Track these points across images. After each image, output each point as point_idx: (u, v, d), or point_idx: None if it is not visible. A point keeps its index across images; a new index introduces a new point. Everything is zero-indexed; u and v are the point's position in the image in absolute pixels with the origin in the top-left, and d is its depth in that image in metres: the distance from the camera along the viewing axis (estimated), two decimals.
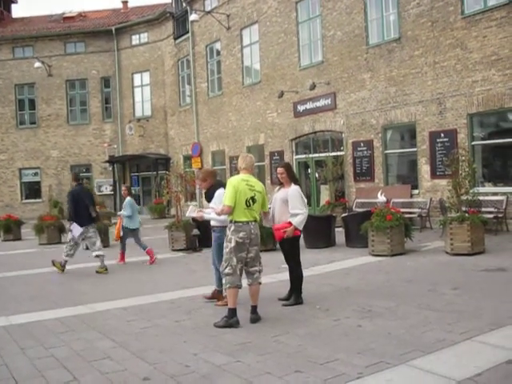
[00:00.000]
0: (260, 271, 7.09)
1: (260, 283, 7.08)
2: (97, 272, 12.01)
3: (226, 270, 6.86)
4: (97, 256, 12.20)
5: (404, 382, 4.71)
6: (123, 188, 14.30)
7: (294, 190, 7.98)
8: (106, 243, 16.19)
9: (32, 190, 35.09)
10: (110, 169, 33.74)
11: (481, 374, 4.67)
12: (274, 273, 10.45)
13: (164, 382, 4.98)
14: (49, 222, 19.43)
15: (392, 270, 10.37)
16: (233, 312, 6.79)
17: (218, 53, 27.60)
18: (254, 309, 7.06)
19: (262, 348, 5.80)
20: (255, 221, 7.01)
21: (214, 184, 8.37)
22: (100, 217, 13.89)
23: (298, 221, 7.80)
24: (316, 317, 7.06)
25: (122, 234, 13.27)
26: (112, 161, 33.39)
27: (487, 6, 15.19)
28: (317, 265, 11.29)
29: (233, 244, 6.81)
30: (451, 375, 4.69)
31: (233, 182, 6.96)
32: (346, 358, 5.32)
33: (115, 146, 34.02)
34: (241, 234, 6.82)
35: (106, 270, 12.04)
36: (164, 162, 32.43)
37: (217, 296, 8.24)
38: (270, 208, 7.85)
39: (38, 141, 34.57)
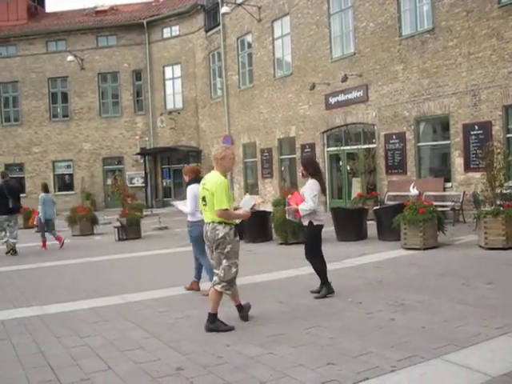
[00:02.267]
0: (219, 277, 6.39)
1: (216, 290, 6.38)
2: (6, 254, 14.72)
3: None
4: (5, 242, 14.86)
5: (438, 376, 4.66)
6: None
7: (309, 183, 8.01)
8: (138, 235, 16.35)
9: (65, 182, 35.58)
10: (142, 161, 34.00)
11: None
12: (306, 265, 10.41)
13: (197, 372, 5.01)
14: (82, 214, 19.71)
15: (425, 263, 10.26)
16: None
17: (250, 45, 27.56)
18: (208, 315, 6.43)
19: (295, 340, 5.79)
20: (212, 222, 6.42)
21: (190, 180, 8.67)
22: (20, 209, 16.09)
23: (302, 208, 7.80)
24: (348, 310, 7.03)
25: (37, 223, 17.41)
26: (143, 153, 33.66)
27: None
28: (348, 257, 11.24)
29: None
30: (486, 370, 4.62)
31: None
32: (379, 351, 5.28)
33: (146, 139, 34.28)
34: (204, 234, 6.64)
35: (15, 252, 14.87)
36: (195, 154, 32.59)
37: (195, 286, 8.85)
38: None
39: (70, 133, 35.00)
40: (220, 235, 6.35)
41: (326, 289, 7.88)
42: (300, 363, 5.06)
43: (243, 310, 6.81)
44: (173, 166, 34.30)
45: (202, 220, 6.90)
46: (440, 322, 6.15)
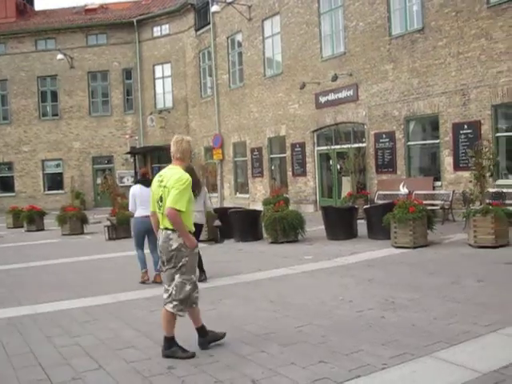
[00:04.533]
0: (169, 295, 5.42)
1: (167, 310, 5.44)
2: None
3: None
4: None
5: (428, 373, 4.69)
6: None
7: None
8: (128, 234, 16.31)
9: (54, 182, 35.42)
10: (132, 160, 33.93)
11: (507, 367, 4.63)
12: (296, 264, 10.46)
13: (188, 371, 5.01)
14: (71, 213, 19.61)
15: (415, 262, 10.31)
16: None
17: (240, 44, 27.56)
18: (163, 339, 5.53)
19: (286, 338, 5.81)
20: (165, 228, 5.44)
21: (137, 181, 9.86)
22: None
23: None
24: (339, 308, 7.05)
25: None
26: (133, 152, 33.59)
27: None
28: (339, 256, 11.27)
29: None
30: (476, 367, 4.66)
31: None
32: (371, 349, 5.31)
33: (137, 138, 34.19)
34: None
35: None
36: None
37: (158, 279, 9.27)
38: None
39: (60, 132, 34.87)
40: (174, 246, 5.33)
41: (203, 275, 9.23)
42: (291, 361, 5.08)
43: (206, 336, 5.65)
44: (163, 165, 33.87)
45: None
46: (430, 320, 6.19)
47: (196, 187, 8.96)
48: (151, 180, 8.27)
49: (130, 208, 9.81)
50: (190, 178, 5.44)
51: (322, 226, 14.54)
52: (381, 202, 17.13)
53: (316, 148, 22.67)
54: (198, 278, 5.85)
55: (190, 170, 10.73)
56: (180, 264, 5.35)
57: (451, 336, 5.53)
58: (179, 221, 5.27)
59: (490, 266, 9.46)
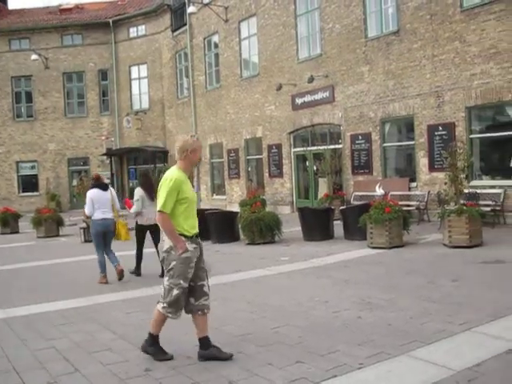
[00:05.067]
0: (161, 295, 5.36)
1: (158, 309, 5.40)
2: None
3: None
4: None
5: (404, 372, 4.74)
6: None
7: (135, 191, 10.37)
8: None
9: (29, 183, 35.01)
10: (108, 162, 33.70)
11: (480, 364, 4.70)
12: (273, 265, 10.48)
13: (166, 373, 5.00)
14: (47, 215, 19.43)
15: (391, 262, 10.40)
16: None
17: (216, 45, 27.53)
18: (148, 335, 5.52)
19: (263, 339, 5.82)
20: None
21: (92, 185, 10.31)
22: None
23: (130, 211, 10.33)
24: (315, 309, 7.08)
25: None
26: (109, 154, 33.37)
27: None
28: (315, 257, 11.32)
29: None
30: (451, 365, 4.73)
31: None
32: (347, 349, 5.34)
33: (112, 139, 33.98)
34: None
35: None
36: (162, 155, 32.41)
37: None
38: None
39: (35, 134, 34.52)
40: (165, 248, 5.28)
41: (136, 269, 10.37)
42: (269, 362, 5.10)
43: (208, 349, 5.31)
44: (139, 167, 34.01)
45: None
46: (406, 320, 6.25)
47: (152, 191, 9.69)
48: (107, 184, 9.63)
49: (87, 212, 10.01)
50: (176, 178, 5.21)
51: (299, 227, 14.58)
52: (357, 202, 17.25)
53: (292, 149, 22.74)
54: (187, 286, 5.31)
55: (143, 174, 11.93)
56: (169, 267, 5.23)
57: (426, 335, 5.60)
58: (166, 223, 5.18)
59: (465, 265, 9.57)
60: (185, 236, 5.22)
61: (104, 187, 10.10)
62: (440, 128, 16.34)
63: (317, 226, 14.15)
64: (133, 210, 10.14)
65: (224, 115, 26.75)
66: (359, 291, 7.89)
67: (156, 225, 9.75)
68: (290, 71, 22.19)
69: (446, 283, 8.12)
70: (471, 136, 15.82)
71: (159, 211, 5.16)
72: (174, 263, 5.18)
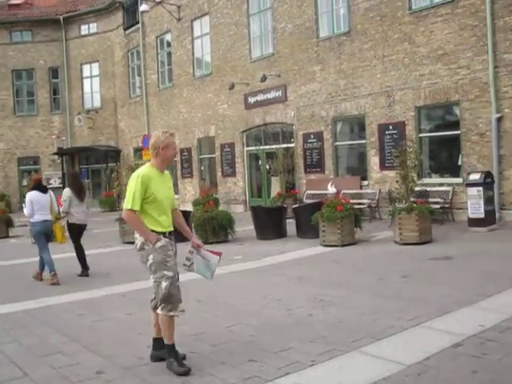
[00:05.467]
0: (154, 298, 5.23)
1: (159, 314, 5.09)
2: None
3: None
4: None
5: (355, 367, 4.81)
6: None
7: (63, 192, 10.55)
8: None
9: None
10: (59, 161, 33.09)
11: (429, 358, 4.82)
12: (226, 264, 10.46)
13: (118, 374, 4.96)
14: None
15: (343, 259, 10.53)
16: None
17: (169, 44, 27.36)
18: (165, 348, 5.17)
19: (216, 339, 5.82)
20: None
21: (32, 187, 10.37)
22: None
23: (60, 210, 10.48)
24: (268, 307, 7.12)
25: None
26: (60, 153, 32.75)
27: (433, 2, 15.52)
28: (268, 255, 11.38)
29: None
30: (401, 360, 4.82)
31: None
32: (299, 346, 5.39)
33: (64, 138, 33.37)
34: None
35: None
36: (114, 154, 31.96)
37: (38, 277, 10.16)
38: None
39: None
40: (138, 246, 5.08)
41: (84, 271, 10.42)
42: (222, 361, 5.11)
43: (162, 350, 5.17)
44: (91, 166, 33.59)
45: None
46: (357, 316, 6.34)
47: (81, 192, 10.43)
48: (46, 186, 9.83)
49: (26, 213, 10.08)
50: (143, 174, 5.00)
51: (252, 226, 14.63)
52: (309, 201, 17.39)
53: (245, 148, 22.77)
54: (175, 271, 5.10)
55: (72, 175, 12.08)
56: (148, 263, 5.01)
57: (377, 331, 5.69)
58: (132, 219, 5.02)
59: (415, 262, 9.77)
60: (156, 233, 5.03)
61: (43, 189, 10.22)
62: (390, 127, 16.62)
63: (270, 224, 14.23)
64: (61, 209, 10.37)
65: (177, 114, 26.61)
66: (312, 289, 7.96)
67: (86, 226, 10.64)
68: (243, 70, 22.22)
69: (397, 280, 8.27)
70: (421, 135, 16.15)
71: (125, 209, 5.01)
72: (151, 257, 4.98)
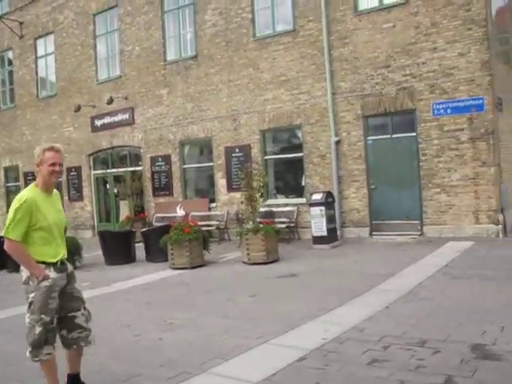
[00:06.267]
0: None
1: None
2: None
3: None
4: None
5: None
6: None
7: None
8: None
9: None
10: None
11: (275, 374, 5.01)
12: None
13: None
14: None
15: (192, 281, 10.61)
16: None
17: (10, 62, 26.10)
18: None
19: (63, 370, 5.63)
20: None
21: None
22: None
23: None
24: (117, 333, 7.01)
25: None
26: None
27: (276, 31, 16.29)
28: (117, 281, 11.20)
29: None
30: (249, 378, 4.97)
31: None
32: (149, 372, 5.37)
33: None
34: None
35: None
36: None
37: None
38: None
39: None
40: (23, 278, 4.57)
41: None
42: None
43: None
44: None
45: None
46: (206, 337, 6.42)
47: None
48: None
49: None
50: (27, 198, 4.49)
51: (100, 252, 14.32)
52: (158, 224, 17.32)
53: (92, 172, 22.23)
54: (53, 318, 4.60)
55: None
56: (29, 301, 4.50)
57: (226, 351, 5.80)
58: (15, 251, 4.49)
59: (262, 280, 10.07)
60: (46, 263, 4.54)
61: None
62: (237, 150, 17.06)
63: (118, 249, 13.99)
64: None
65: (20, 136, 25.37)
66: (161, 312, 7.95)
67: None
68: (89, 92, 21.75)
69: (245, 299, 8.48)
70: (266, 157, 16.74)
71: (6, 238, 4.46)
72: (32, 295, 4.47)
